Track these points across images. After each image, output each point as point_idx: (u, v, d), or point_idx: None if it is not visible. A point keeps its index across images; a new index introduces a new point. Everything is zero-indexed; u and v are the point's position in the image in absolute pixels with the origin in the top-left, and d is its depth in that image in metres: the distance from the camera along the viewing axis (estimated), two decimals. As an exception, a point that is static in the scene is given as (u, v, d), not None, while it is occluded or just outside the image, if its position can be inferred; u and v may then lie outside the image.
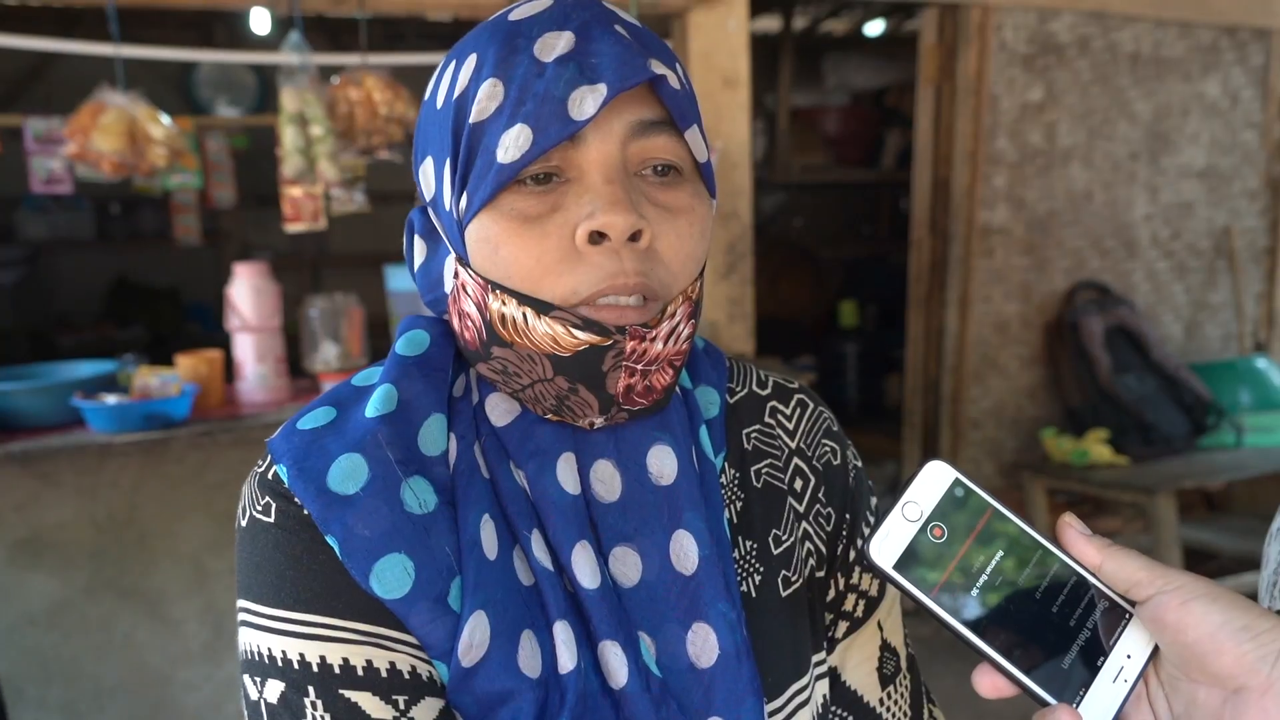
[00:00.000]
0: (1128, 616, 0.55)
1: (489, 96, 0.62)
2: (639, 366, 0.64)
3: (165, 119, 2.68)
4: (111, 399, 2.46)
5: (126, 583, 2.57)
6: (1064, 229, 3.88)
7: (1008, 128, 3.69)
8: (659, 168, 0.65)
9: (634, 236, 0.62)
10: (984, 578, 0.55)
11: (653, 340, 0.64)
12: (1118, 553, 0.55)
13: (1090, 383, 3.75)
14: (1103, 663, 0.55)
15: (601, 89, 0.60)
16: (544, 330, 0.63)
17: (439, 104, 0.66)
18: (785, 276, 5.84)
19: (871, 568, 0.55)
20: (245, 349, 2.79)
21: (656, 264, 0.63)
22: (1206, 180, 4.17)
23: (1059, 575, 0.56)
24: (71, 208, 5.22)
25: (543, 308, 0.62)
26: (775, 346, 5.06)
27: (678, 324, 0.65)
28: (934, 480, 0.57)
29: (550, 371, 0.64)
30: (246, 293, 2.77)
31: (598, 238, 0.61)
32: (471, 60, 0.64)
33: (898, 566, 0.55)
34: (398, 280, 2.98)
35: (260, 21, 3.90)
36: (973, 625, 0.54)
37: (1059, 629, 0.55)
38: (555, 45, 0.61)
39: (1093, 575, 0.56)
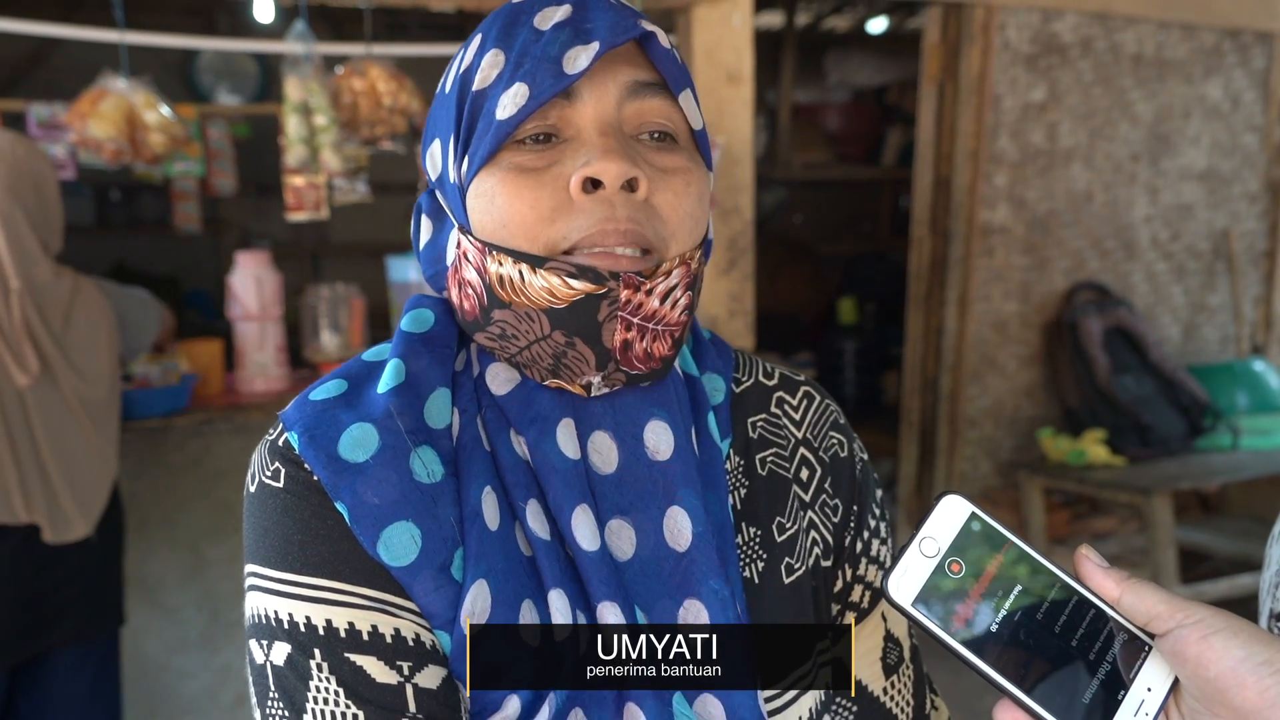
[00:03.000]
0: (1147, 649, 0.55)
1: (491, 65, 0.66)
2: (635, 320, 0.65)
3: (164, 108, 2.67)
4: (111, 386, 2.45)
5: (124, 570, 2.57)
6: (1064, 229, 3.88)
7: (1010, 127, 3.69)
8: (655, 134, 0.68)
9: (631, 187, 0.64)
10: (1002, 612, 0.55)
11: (648, 293, 0.65)
12: (1136, 585, 0.55)
13: (1088, 383, 3.76)
14: (1123, 696, 0.54)
15: (594, 45, 0.64)
16: (540, 284, 0.64)
17: (448, 87, 0.70)
18: (785, 273, 5.84)
19: (891, 605, 0.55)
20: (246, 337, 2.79)
21: (653, 216, 0.65)
22: (1207, 182, 4.17)
23: (1077, 608, 0.56)
24: (72, 194, 5.18)
25: (537, 261, 0.64)
26: (774, 342, 5.07)
27: (675, 286, 0.66)
28: (950, 514, 0.57)
29: (548, 327, 0.65)
30: (248, 281, 2.77)
31: (591, 186, 0.64)
32: (476, 40, 0.69)
33: (916, 603, 0.55)
34: (399, 271, 2.98)
35: (263, 10, 3.89)
36: (992, 660, 0.54)
37: (1078, 662, 0.54)
38: (553, 15, 0.66)
39: (1111, 608, 0.56)
